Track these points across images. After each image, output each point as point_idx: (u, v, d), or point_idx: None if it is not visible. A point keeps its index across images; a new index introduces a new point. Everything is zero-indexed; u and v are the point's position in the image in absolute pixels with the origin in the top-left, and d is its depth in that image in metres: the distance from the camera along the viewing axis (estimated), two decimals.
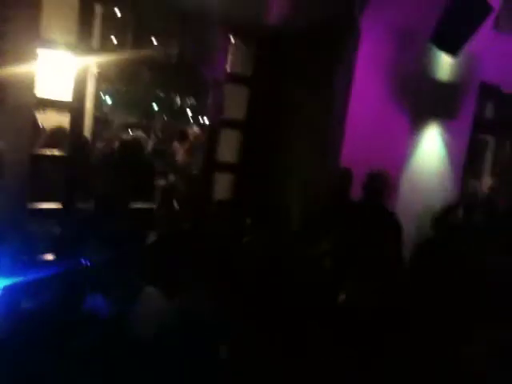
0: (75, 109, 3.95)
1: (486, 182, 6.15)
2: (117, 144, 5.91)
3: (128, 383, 2.34)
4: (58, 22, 4.05)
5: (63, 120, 4.14)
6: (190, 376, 2.42)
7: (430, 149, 5.23)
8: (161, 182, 4.45)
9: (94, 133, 5.56)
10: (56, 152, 3.91)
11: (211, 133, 4.92)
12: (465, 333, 2.73)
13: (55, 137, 4.19)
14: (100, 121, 6.22)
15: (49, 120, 4.36)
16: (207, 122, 5.54)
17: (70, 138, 3.95)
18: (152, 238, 3.77)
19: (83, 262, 2.76)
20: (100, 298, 2.69)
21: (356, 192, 4.24)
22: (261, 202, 4.64)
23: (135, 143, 5.55)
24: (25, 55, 3.37)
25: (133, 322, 2.68)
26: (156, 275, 2.97)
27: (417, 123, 5.13)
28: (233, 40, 4.91)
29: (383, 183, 4.12)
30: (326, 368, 2.62)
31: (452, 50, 4.73)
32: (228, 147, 5.03)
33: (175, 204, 4.01)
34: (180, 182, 5.01)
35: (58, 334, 2.43)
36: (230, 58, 4.93)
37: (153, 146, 6.53)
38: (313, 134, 4.84)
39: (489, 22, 4.95)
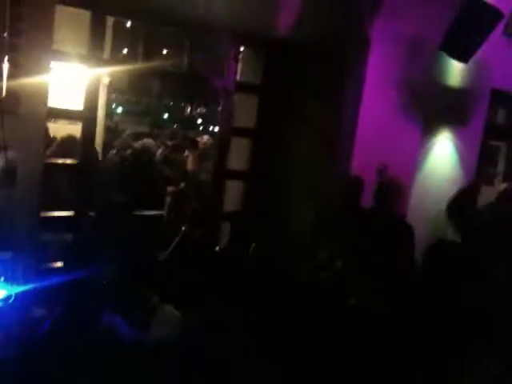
0: (87, 118, 3.99)
1: (498, 188, 6.10)
2: (128, 152, 5.97)
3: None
4: (70, 35, 4.12)
5: (75, 129, 4.20)
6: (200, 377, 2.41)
7: (442, 155, 5.22)
8: (170, 190, 4.48)
9: (105, 142, 5.62)
10: (68, 160, 3.96)
11: (221, 141, 4.95)
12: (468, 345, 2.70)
13: (66, 145, 4.24)
14: (111, 130, 6.29)
15: (61, 129, 4.43)
16: (217, 131, 5.57)
17: (82, 146, 3.99)
18: (166, 251, 3.78)
19: (96, 275, 2.76)
20: (117, 316, 2.69)
21: (367, 200, 4.23)
22: (270, 210, 4.64)
23: (145, 151, 5.60)
24: (37, 67, 3.42)
25: (149, 341, 2.67)
26: (171, 291, 2.96)
27: (428, 130, 5.12)
28: (242, 50, 4.94)
29: (394, 191, 4.11)
30: (333, 374, 2.61)
31: (462, 57, 4.72)
32: (238, 155, 5.05)
33: (185, 212, 4.02)
34: (190, 190, 5.03)
35: (69, 345, 2.43)
36: (239, 67, 4.96)
37: (163, 154, 6.58)
38: (323, 142, 4.84)
39: (499, 28, 4.94)
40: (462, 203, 4.17)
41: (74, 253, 3.37)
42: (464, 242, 3.67)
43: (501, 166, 6.67)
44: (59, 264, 3.37)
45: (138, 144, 6.02)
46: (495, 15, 4.59)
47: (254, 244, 3.84)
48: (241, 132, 5.05)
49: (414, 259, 3.82)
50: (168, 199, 4.16)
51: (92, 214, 3.78)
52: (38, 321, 2.58)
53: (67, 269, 2.86)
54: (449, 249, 3.18)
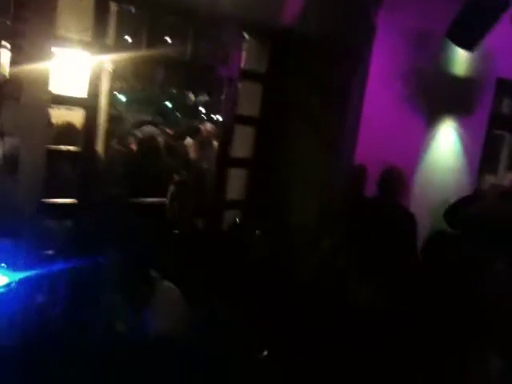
0: (89, 105, 3.98)
1: (503, 177, 6.08)
2: (132, 141, 5.95)
3: (142, 378, 2.35)
4: (73, 21, 4.09)
5: (77, 116, 4.18)
6: (203, 373, 2.43)
7: (446, 145, 5.21)
8: (174, 179, 4.47)
9: (108, 130, 5.60)
10: (71, 148, 3.95)
11: (225, 129, 4.93)
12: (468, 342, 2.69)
13: (69, 133, 4.23)
14: (114, 118, 6.28)
15: (63, 116, 4.41)
16: (220, 119, 5.56)
17: (84, 134, 3.98)
18: (172, 235, 3.79)
19: (99, 258, 2.78)
20: (117, 294, 2.71)
21: (370, 189, 4.22)
22: (274, 199, 4.64)
23: (153, 142, 5.59)
24: (40, 53, 3.41)
25: (149, 316, 2.69)
26: (174, 273, 2.98)
27: (433, 119, 5.11)
28: (247, 38, 4.91)
29: (397, 180, 4.11)
30: (335, 370, 2.60)
31: (468, 46, 4.69)
32: (242, 144, 5.04)
33: (188, 201, 4.02)
34: (193, 178, 5.02)
35: (74, 330, 2.44)
36: (244, 55, 4.93)
37: (166, 142, 6.56)
38: (326, 134, 4.82)
39: (506, 18, 4.90)
40: (461, 211, 4.14)
41: (75, 240, 3.38)
42: (464, 235, 3.65)
43: (505, 156, 6.63)
44: (61, 251, 3.37)
45: (141, 132, 6.00)
46: (501, 4, 4.55)
47: (257, 231, 3.84)
48: (244, 120, 5.03)
49: (416, 249, 3.81)
50: (171, 188, 4.14)
51: (93, 202, 3.78)
52: (41, 307, 2.59)
53: (69, 256, 2.86)
54: (448, 241, 3.18)
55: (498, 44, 5.08)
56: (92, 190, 3.88)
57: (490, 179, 5.76)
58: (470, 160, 5.34)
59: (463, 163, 5.32)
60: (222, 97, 4.97)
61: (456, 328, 2.71)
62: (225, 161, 4.87)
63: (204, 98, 8.46)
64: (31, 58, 3.36)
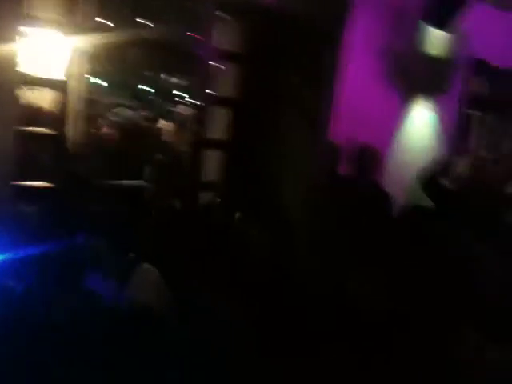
0: (62, 87, 3.91)
1: (475, 157, 6.17)
2: (107, 124, 5.87)
3: (121, 357, 2.35)
4: (46, 3, 3.99)
5: (50, 98, 4.11)
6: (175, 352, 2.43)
7: (421, 124, 5.25)
8: (156, 159, 4.45)
9: (82, 112, 5.50)
10: (43, 130, 3.89)
11: (200, 110, 4.90)
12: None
13: (41, 114, 4.15)
14: (89, 100, 6.17)
15: (35, 98, 4.32)
16: (196, 101, 5.53)
17: (58, 117, 3.92)
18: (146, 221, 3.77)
19: (75, 240, 2.76)
20: (96, 275, 2.70)
21: (345, 167, 4.24)
22: (251, 180, 4.63)
23: (128, 125, 5.53)
24: (6, 32, 3.32)
25: (127, 296, 2.69)
26: (153, 255, 2.97)
27: (408, 99, 5.14)
28: (223, 18, 4.86)
29: (372, 158, 4.14)
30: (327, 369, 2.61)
31: (443, 25, 4.72)
32: (218, 126, 5.01)
33: (165, 181, 4.00)
34: (169, 160, 5.00)
35: (52, 313, 2.43)
36: (220, 36, 4.88)
37: (141, 125, 6.49)
38: (303, 112, 4.82)
39: None
40: (436, 176, 4.19)
41: (50, 223, 3.34)
42: (438, 209, 3.71)
43: (478, 136, 6.72)
44: (34, 234, 3.33)
45: (116, 115, 5.91)
46: None
47: (238, 214, 3.84)
48: (221, 101, 5.00)
49: (389, 226, 3.85)
50: (148, 170, 4.11)
51: (67, 185, 3.74)
52: (12, 292, 2.56)
53: (42, 239, 2.83)
54: (424, 215, 3.22)
55: (473, 24, 5.12)
56: (65, 173, 3.83)
57: (462, 158, 5.83)
58: (445, 138, 5.40)
59: (437, 142, 5.38)
60: (198, 78, 4.93)
61: (432, 307, 2.75)
62: (200, 142, 4.84)
63: (180, 80, 8.38)
64: None
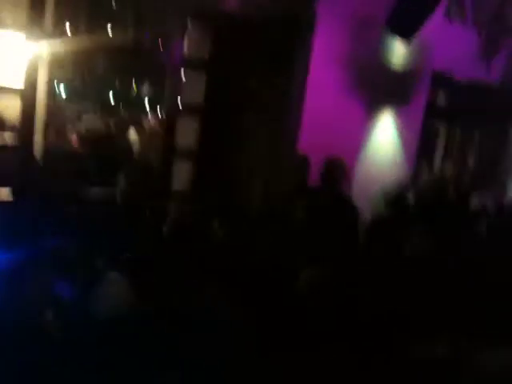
0: (26, 96, 3.83)
1: (438, 168, 6.33)
2: (73, 133, 5.78)
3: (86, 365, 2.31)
4: (7, 5, 3.92)
5: (12, 106, 4.02)
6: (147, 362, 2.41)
7: (385, 135, 5.35)
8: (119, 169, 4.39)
9: (47, 121, 5.42)
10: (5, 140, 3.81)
11: (169, 119, 4.89)
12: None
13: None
14: (53, 108, 6.08)
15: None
16: (164, 109, 5.52)
17: (21, 126, 3.84)
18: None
19: (42, 245, 2.71)
20: (63, 283, 2.65)
21: (313, 178, 4.28)
22: (221, 188, 4.63)
23: (95, 135, 5.46)
24: None
25: (93, 305, 2.65)
26: (123, 263, 2.93)
27: (372, 110, 5.23)
28: (190, 25, 4.87)
29: (340, 170, 4.18)
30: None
31: (405, 35, 4.82)
32: (186, 134, 5.00)
33: (136, 190, 3.95)
34: (138, 169, 4.95)
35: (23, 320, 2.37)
36: (186, 43, 4.88)
37: (108, 133, 6.42)
38: (270, 121, 4.86)
39: (440, 10, 5.07)
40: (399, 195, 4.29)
41: (15, 230, 3.27)
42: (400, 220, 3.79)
43: (440, 147, 6.90)
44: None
45: (82, 124, 5.84)
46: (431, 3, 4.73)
47: (216, 220, 3.80)
48: (189, 110, 5.00)
49: (358, 237, 3.92)
50: (118, 179, 4.05)
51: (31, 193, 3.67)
52: None
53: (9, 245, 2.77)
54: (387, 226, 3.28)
55: (433, 36, 5.25)
56: (30, 182, 3.76)
57: (426, 169, 6.00)
58: (408, 150, 5.50)
59: (401, 153, 5.48)
60: (166, 85, 4.92)
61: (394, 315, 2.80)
62: (169, 151, 4.83)
63: (147, 86, 8.33)
64: None
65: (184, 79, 4.93)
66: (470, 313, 2.83)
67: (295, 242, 3.67)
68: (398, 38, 4.90)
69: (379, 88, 5.20)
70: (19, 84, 3.82)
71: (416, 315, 2.77)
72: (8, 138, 3.85)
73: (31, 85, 3.88)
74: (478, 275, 3.18)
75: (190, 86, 4.96)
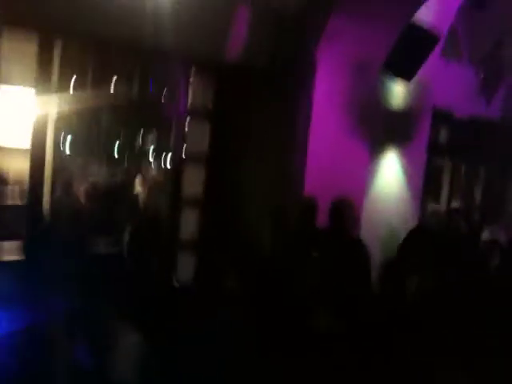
0: (34, 153, 3.86)
1: (445, 204, 6.32)
2: (81, 187, 5.81)
3: None
4: (16, 66, 4.01)
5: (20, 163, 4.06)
6: None
7: (389, 174, 5.35)
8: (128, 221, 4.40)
9: (53, 177, 5.45)
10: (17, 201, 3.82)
11: (174, 169, 4.92)
12: None
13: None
14: (59, 164, 6.15)
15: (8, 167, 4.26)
16: (169, 159, 5.57)
17: (30, 185, 3.85)
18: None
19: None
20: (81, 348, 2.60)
21: (321, 220, 4.27)
22: (230, 236, 4.62)
23: (102, 188, 5.49)
24: None
25: (112, 370, 2.60)
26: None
27: (375, 150, 5.26)
28: (193, 76, 4.96)
29: (349, 211, 4.15)
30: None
31: (405, 75, 4.91)
32: (192, 182, 5.02)
33: (145, 243, 3.94)
34: (146, 220, 4.95)
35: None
36: (190, 93, 4.97)
37: (116, 185, 6.47)
38: (275, 165, 4.89)
39: (437, 50, 5.18)
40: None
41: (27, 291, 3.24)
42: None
43: (445, 183, 6.90)
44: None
45: (90, 177, 5.89)
46: (432, 38, 4.83)
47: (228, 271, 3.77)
48: (193, 158, 5.03)
49: (370, 277, 3.87)
50: (126, 233, 4.04)
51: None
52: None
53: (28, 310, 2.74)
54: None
55: (431, 75, 5.34)
56: (40, 237, 3.75)
57: (432, 206, 5.98)
58: (413, 187, 5.50)
59: (406, 191, 5.47)
60: (171, 135, 4.97)
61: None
62: (176, 201, 4.84)
63: (152, 137, 8.43)
64: None
65: (188, 129, 4.99)
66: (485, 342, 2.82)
67: (309, 287, 3.63)
68: (398, 79, 4.98)
69: (381, 127, 5.25)
70: (27, 143, 3.87)
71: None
72: (16, 194, 3.87)
73: (39, 142, 3.92)
74: (493, 307, 3.16)
75: (195, 135, 5.02)
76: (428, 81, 5.42)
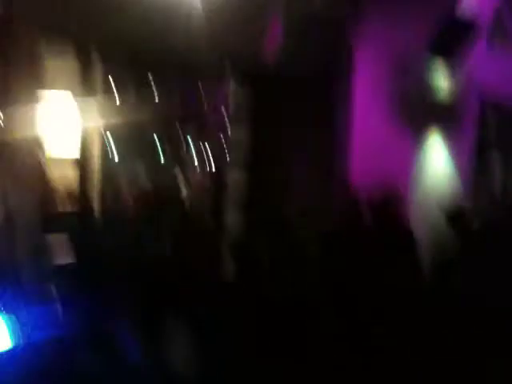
0: (83, 166, 3.99)
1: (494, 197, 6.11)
2: (131, 197, 5.93)
3: None
4: (61, 82, 4.14)
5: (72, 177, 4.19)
6: None
7: (437, 167, 5.25)
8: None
9: (103, 189, 5.60)
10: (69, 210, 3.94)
11: (218, 176, 4.97)
12: None
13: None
14: (107, 174, 6.32)
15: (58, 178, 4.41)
16: (213, 166, 5.66)
17: (80, 197, 3.97)
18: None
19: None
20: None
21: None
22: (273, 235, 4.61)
23: (153, 197, 5.59)
24: (28, 114, 3.44)
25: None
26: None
27: (420, 137, 5.16)
28: (232, 83, 5.02)
29: (393, 204, 4.10)
30: None
31: (449, 54, 4.81)
32: (235, 189, 5.06)
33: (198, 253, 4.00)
34: (193, 228, 5.02)
35: None
36: (230, 100, 5.03)
37: (165, 195, 6.58)
38: (318, 166, 4.87)
39: (484, 38, 5.05)
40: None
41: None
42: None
43: (494, 176, 6.65)
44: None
45: (138, 186, 6.00)
46: (472, 28, 4.73)
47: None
48: (236, 165, 5.08)
49: (421, 269, 3.80)
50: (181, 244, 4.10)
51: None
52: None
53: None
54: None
55: (478, 65, 5.19)
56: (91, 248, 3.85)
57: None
58: (462, 180, 5.36)
59: (455, 184, 5.33)
60: (213, 144, 5.04)
61: None
62: (220, 207, 4.88)
63: (195, 146, 8.55)
64: (19, 120, 3.38)
65: (230, 135, 5.04)
66: None
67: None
68: (441, 59, 4.89)
69: (428, 120, 5.15)
70: (75, 153, 3.99)
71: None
72: (67, 203, 3.99)
73: (87, 152, 4.04)
74: None
75: (236, 140, 5.07)
76: (475, 71, 5.27)
